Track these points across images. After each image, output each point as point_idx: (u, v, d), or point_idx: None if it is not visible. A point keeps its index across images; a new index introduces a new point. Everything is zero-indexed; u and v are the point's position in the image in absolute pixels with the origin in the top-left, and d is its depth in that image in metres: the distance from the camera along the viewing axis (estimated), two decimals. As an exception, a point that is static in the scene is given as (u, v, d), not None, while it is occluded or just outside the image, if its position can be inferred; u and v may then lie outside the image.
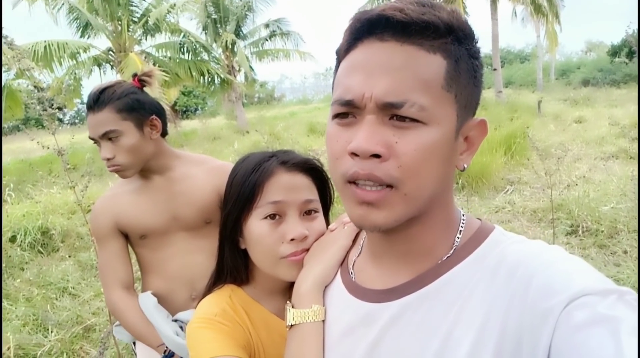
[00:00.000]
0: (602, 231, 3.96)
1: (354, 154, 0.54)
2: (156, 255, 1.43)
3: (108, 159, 1.29)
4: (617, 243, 3.78)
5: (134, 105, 1.30)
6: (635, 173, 4.57)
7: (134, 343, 1.47)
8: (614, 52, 26.96)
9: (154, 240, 1.42)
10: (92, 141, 1.33)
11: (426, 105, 0.53)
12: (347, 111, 0.57)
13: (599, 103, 15.18)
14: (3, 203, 6.11)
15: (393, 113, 0.54)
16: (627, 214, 4.08)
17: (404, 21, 0.53)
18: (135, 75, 1.40)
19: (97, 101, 1.27)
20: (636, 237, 3.67)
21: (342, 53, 0.60)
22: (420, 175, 0.55)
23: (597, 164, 6.76)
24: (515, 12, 19.86)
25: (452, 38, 0.55)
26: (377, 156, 0.53)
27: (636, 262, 3.34)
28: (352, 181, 0.56)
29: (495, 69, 16.63)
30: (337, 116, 0.59)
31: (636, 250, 3.51)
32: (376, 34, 0.55)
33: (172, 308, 1.40)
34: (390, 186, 0.54)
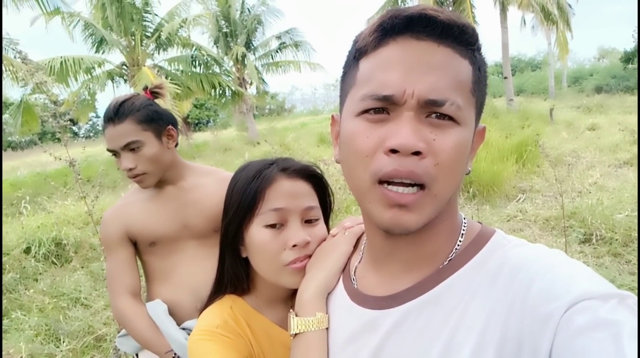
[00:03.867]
0: (617, 240, 3.88)
1: (391, 152, 0.53)
2: (164, 262, 1.45)
3: (130, 170, 1.32)
4: (631, 251, 3.70)
5: (153, 116, 1.35)
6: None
7: (136, 356, 1.47)
8: (627, 58, 26.65)
9: (163, 247, 1.44)
10: (108, 154, 1.36)
11: (461, 105, 0.54)
12: (383, 106, 0.55)
13: (612, 110, 14.98)
14: (19, 215, 6.23)
15: (433, 111, 0.54)
16: (642, 222, 3.99)
17: (446, 22, 0.54)
18: (146, 88, 1.44)
19: (118, 113, 1.30)
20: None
21: (370, 49, 0.58)
22: (451, 175, 0.55)
23: (611, 171, 6.65)
24: (525, 21, 19.82)
25: (477, 46, 0.57)
26: (417, 153, 0.53)
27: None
28: (384, 181, 0.55)
29: (505, 78, 16.53)
30: (366, 111, 0.57)
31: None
32: (412, 32, 0.55)
33: (177, 317, 1.40)
34: (422, 187, 0.54)
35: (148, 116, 1.34)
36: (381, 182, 0.55)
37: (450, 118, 0.54)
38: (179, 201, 1.43)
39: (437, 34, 0.54)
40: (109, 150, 1.35)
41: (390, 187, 0.54)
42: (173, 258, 1.44)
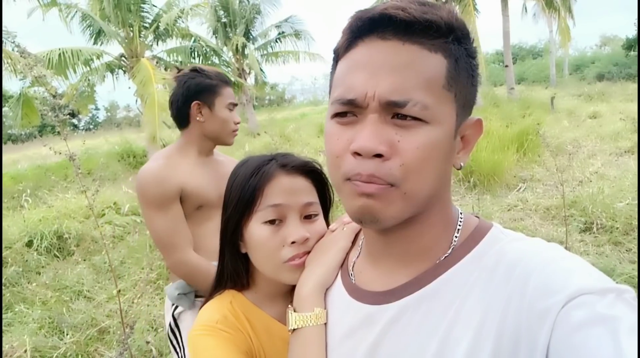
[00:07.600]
0: (617, 228, 3.89)
1: (356, 154, 0.54)
2: (200, 229, 1.54)
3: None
4: (632, 239, 3.71)
5: None
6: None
7: (176, 319, 1.52)
8: (629, 45, 26.44)
9: (203, 213, 1.54)
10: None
11: (428, 104, 0.53)
12: (348, 110, 0.56)
13: (614, 98, 14.91)
14: (20, 209, 6.25)
15: (396, 112, 0.54)
16: (642, 211, 4.00)
17: (407, 20, 0.53)
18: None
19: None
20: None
21: (342, 52, 0.59)
22: (421, 174, 0.55)
23: (612, 160, 6.64)
24: (526, 8, 19.64)
25: (453, 37, 0.55)
26: (379, 156, 0.53)
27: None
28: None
29: (506, 66, 16.42)
30: (337, 114, 0.58)
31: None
32: (377, 32, 0.55)
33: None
34: (391, 184, 0.54)
35: None
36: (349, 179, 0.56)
37: (416, 118, 0.53)
38: (217, 172, 1.59)
39: (401, 32, 0.54)
40: (234, 104, 1.67)
41: (356, 182, 0.56)
42: (208, 225, 1.53)
